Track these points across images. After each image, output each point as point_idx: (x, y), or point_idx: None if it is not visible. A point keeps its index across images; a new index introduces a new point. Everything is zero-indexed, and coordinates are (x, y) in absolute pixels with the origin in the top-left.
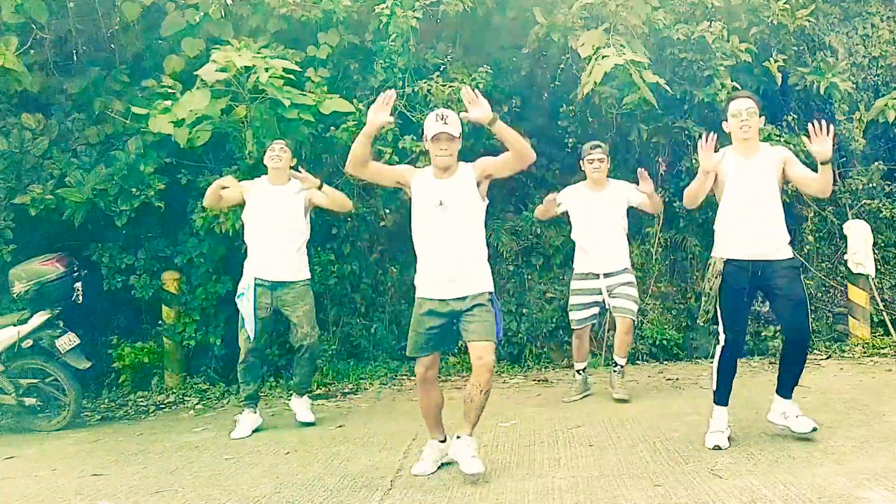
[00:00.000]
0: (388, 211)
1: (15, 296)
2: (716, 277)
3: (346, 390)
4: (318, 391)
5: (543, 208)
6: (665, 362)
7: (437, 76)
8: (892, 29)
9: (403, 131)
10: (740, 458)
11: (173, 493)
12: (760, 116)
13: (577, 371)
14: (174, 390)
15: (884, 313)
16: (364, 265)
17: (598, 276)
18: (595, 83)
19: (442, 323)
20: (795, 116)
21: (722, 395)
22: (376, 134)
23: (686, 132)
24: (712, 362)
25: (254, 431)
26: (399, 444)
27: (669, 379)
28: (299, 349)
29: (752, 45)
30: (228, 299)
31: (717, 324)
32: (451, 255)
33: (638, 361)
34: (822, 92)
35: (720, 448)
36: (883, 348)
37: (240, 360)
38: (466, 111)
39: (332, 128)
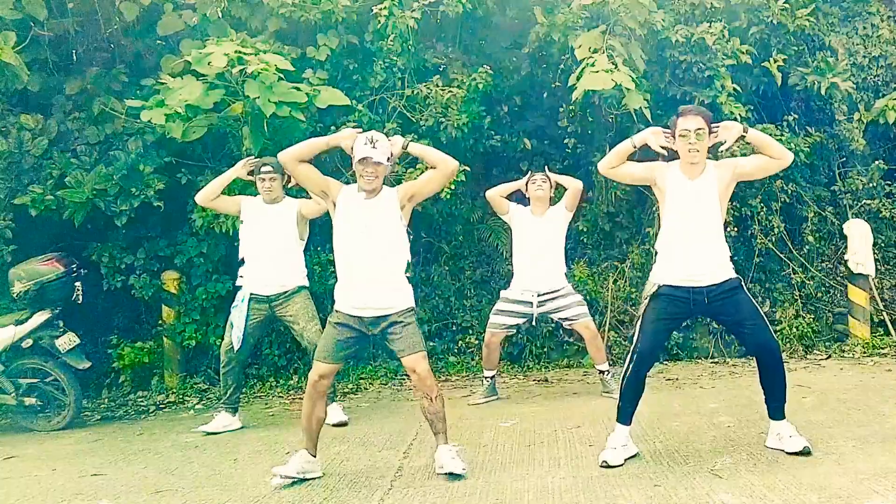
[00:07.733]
0: None
1: (15, 296)
2: (647, 301)
3: (346, 390)
4: None
5: (503, 190)
6: (665, 362)
7: (437, 78)
8: (892, 29)
9: (404, 131)
10: (740, 458)
11: (173, 493)
12: (711, 133)
13: (486, 378)
14: (174, 390)
15: (884, 313)
16: None
17: (531, 297)
18: (579, 97)
19: (357, 335)
20: (796, 116)
21: (625, 414)
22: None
23: None
24: (621, 379)
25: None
26: (399, 444)
27: (669, 379)
28: (305, 350)
29: (752, 45)
30: (228, 299)
31: (632, 342)
32: (371, 277)
33: None
34: (822, 92)
35: (607, 464)
36: (883, 348)
37: (222, 366)
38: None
39: (332, 126)
